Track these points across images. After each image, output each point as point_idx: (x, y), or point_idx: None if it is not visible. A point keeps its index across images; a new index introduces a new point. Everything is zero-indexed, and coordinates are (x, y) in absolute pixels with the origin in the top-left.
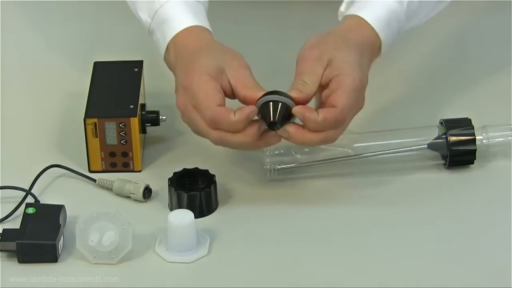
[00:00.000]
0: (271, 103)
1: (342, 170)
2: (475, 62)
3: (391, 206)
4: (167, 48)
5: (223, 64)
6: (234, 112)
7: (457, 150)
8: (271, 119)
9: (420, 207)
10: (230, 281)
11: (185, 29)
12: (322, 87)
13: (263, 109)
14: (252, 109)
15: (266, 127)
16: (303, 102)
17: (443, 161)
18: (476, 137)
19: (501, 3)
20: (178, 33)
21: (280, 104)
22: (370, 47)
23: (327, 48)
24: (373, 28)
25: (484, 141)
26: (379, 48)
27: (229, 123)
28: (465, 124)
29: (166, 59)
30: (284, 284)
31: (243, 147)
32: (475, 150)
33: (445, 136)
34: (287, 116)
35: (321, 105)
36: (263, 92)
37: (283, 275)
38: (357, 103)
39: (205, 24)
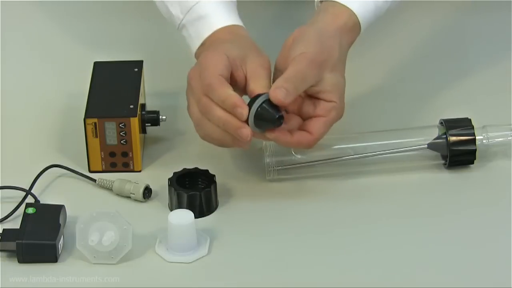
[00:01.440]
0: (266, 102)
1: (342, 170)
2: (475, 62)
3: (391, 206)
4: (203, 44)
5: (247, 55)
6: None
7: (457, 150)
8: (278, 114)
9: (420, 207)
10: (230, 281)
11: (223, 27)
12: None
13: (262, 113)
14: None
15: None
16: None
17: (443, 161)
18: (476, 137)
19: (501, 3)
20: (215, 31)
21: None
22: (350, 34)
23: (326, 62)
24: (352, 12)
25: (484, 141)
26: (359, 28)
27: (222, 94)
28: (465, 124)
29: (198, 54)
30: (284, 284)
31: (221, 127)
32: (475, 150)
33: (445, 136)
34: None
35: (298, 111)
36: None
37: (283, 275)
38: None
39: (240, 22)
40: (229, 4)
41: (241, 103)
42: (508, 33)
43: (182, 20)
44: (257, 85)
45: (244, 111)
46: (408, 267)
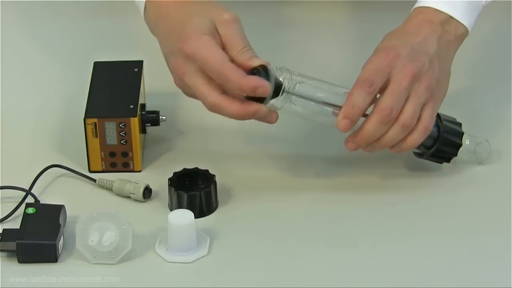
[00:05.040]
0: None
1: (341, 169)
2: (474, 62)
3: (390, 206)
4: (145, 7)
5: (213, 19)
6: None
7: (446, 139)
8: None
9: (418, 206)
10: (230, 281)
11: None
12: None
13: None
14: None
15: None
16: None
17: (418, 151)
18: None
19: (501, 3)
20: None
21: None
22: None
23: None
24: (433, 8)
25: (466, 142)
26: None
27: (239, 81)
28: (454, 121)
29: (146, 19)
30: (284, 284)
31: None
32: (460, 145)
33: (437, 124)
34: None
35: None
36: (252, 58)
37: (283, 275)
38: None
39: None
40: None
41: (259, 81)
42: (508, 33)
43: None
44: (237, 55)
45: (266, 88)
46: (406, 267)
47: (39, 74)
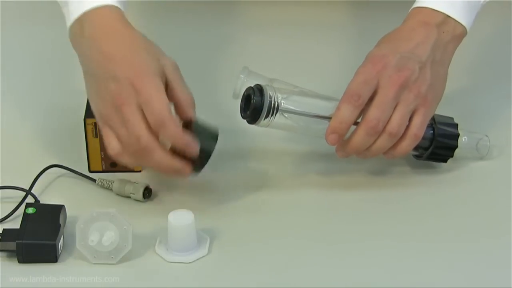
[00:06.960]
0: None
1: (342, 166)
2: (474, 62)
3: (389, 205)
4: (81, 23)
5: (161, 61)
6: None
7: (441, 143)
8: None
9: (420, 203)
10: (230, 281)
11: (100, 7)
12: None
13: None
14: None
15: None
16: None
17: (415, 153)
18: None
19: (501, 3)
20: (98, 10)
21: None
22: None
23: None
24: (430, 8)
25: (463, 139)
26: (451, 22)
27: (176, 132)
28: (450, 121)
29: (73, 32)
30: (285, 284)
31: (160, 166)
32: (455, 147)
33: (431, 126)
34: None
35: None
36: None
37: (283, 275)
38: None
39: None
40: None
41: (192, 141)
42: (508, 33)
43: None
44: (183, 94)
45: (195, 149)
46: (406, 267)
47: (39, 74)
